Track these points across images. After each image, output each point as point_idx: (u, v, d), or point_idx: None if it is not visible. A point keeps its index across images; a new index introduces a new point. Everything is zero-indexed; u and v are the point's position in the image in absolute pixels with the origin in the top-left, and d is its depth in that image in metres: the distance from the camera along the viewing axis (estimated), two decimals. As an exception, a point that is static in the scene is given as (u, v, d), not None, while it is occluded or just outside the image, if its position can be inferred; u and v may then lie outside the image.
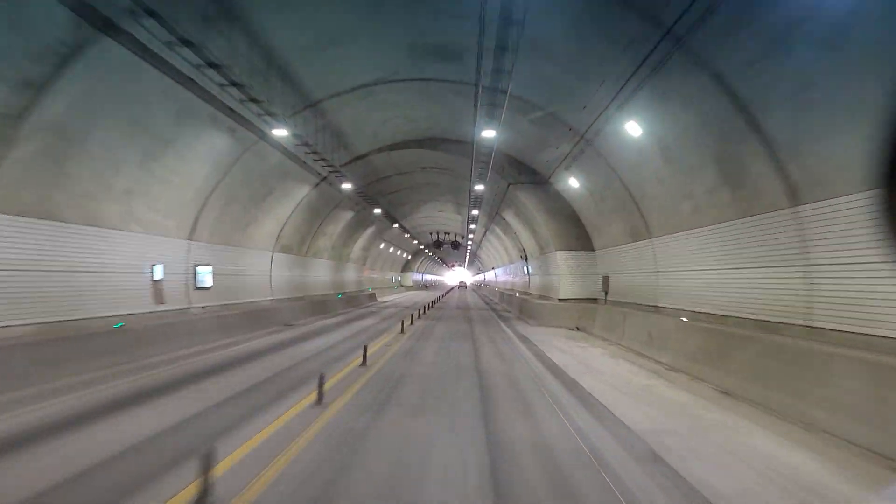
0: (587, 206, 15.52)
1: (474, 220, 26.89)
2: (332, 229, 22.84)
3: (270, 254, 17.06)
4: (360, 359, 8.89)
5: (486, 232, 33.98)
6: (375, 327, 15.53)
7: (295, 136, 11.76)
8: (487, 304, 31.63)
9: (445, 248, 55.28)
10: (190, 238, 12.05)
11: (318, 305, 20.24)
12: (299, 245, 19.70)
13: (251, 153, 12.43)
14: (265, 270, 16.71)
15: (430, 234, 48.76)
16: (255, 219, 15.00)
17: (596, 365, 8.93)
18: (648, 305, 12.40)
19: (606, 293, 15.92)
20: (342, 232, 24.49)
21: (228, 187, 12.66)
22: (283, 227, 17.27)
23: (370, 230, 29.44)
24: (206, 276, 12.67)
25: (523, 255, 24.61)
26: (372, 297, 31.68)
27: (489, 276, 58.70)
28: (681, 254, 10.48)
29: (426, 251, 59.69)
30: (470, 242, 45.22)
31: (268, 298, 16.91)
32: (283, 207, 16.51)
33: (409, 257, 61.35)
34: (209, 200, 12.20)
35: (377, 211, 23.50)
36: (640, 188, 11.48)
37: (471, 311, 24.65)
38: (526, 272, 24.85)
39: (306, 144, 12.82)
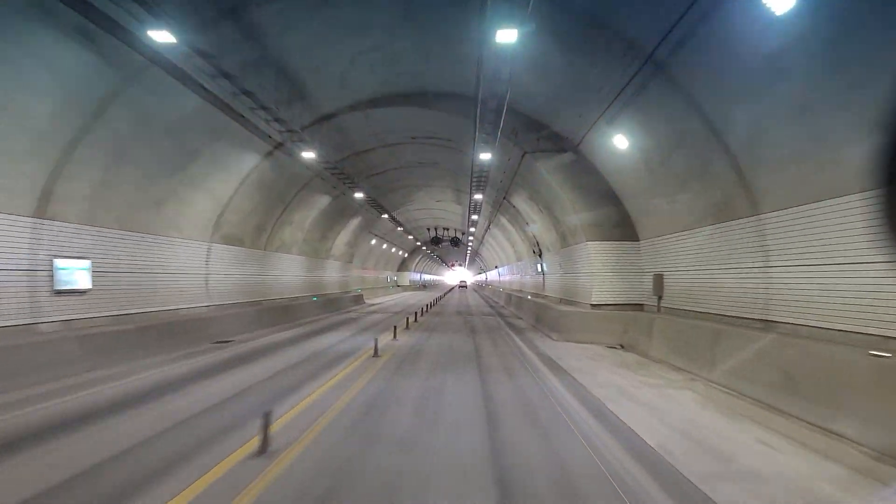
0: (635, 178, 11.24)
1: (477, 207, 22.65)
2: (303, 217, 18.59)
3: (206, 245, 12.80)
4: (279, 423, 4.66)
5: (489, 225, 29.77)
6: (343, 345, 11.28)
7: (196, 51, 7.54)
8: (492, 306, 27.41)
9: (445, 246, 51.18)
10: (39, 214, 7.78)
11: (280, 312, 15.99)
12: (254, 235, 15.45)
13: (141, 87, 8.16)
14: (197, 267, 12.45)
15: (428, 229, 44.76)
16: (173, 194, 10.74)
17: (719, 442, 4.66)
18: (746, 318, 8.14)
19: (660, 298, 11.66)
20: (317, 221, 20.25)
21: (110, 139, 8.40)
22: (223, 210, 13.01)
23: (355, 221, 25.21)
24: (75, 273, 8.42)
25: (536, 250, 20.36)
26: (358, 299, 27.47)
27: (492, 275, 54.58)
28: (834, 235, 6.22)
29: (424, 249, 55.66)
30: (471, 239, 41.06)
31: (202, 305, 12.65)
32: (220, 182, 12.25)
33: (406, 255, 57.32)
34: (74, 157, 7.94)
35: (359, 195, 19.26)
36: (746, 133, 7.21)
37: (473, 316, 20.42)
38: (539, 270, 20.61)
39: (226, 76, 8.59)
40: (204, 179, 11.50)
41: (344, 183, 18.07)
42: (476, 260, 66.95)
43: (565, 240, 15.48)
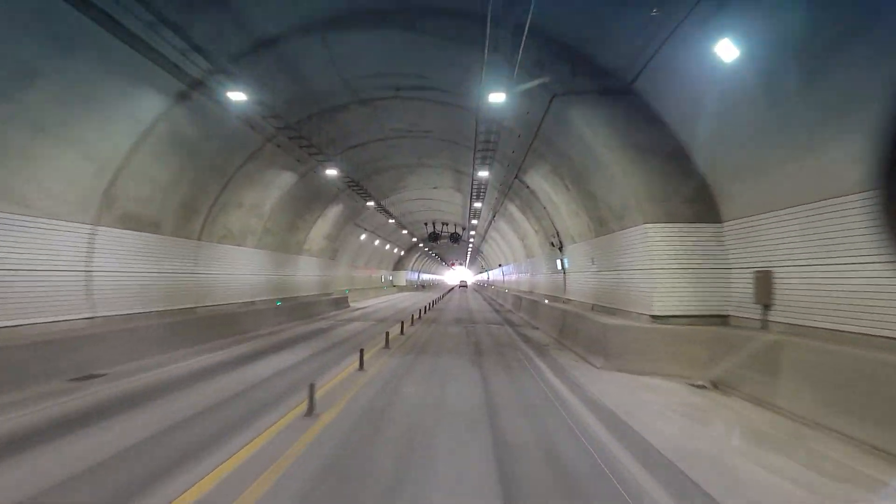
0: (737, 120, 7.11)
1: (481, 190, 18.57)
2: (258, 199, 14.51)
3: (88, 228, 8.71)
4: None
5: (494, 216, 25.74)
6: (275, 383, 7.15)
7: None
8: (497, 311, 23.33)
9: (444, 243, 47.24)
10: None
11: (221, 324, 11.92)
12: (181, 219, 11.34)
13: None
14: (67, 261, 8.35)
15: (425, 224, 40.89)
16: (-8, 141, 6.66)
17: None
18: None
19: (767, 307, 7.58)
20: (282, 206, 16.17)
21: None
22: (116, 177, 8.88)
23: (335, 210, 21.12)
24: None
25: (556, 242, 16.27)
26: (341, 302, 23.40)
27: (494, 275, 50.62)
28: None
29: (422, 246, 51.78)
30: (472, 234, 37.11)
31: (79, 317, 8.56)
32: (98, 131, 8.13)
33: (402, 253, 53.40)
34: None
35: (332, 173, 15.15)
36: None
37: (476, 325, 16.37)
38: (559, 268, 16.54)
39: None
40: (63, 122, 7.40)
41: (311, 155, 14.00)
42: (477, 258, 63.10)
43: (604, 224, 11.37)
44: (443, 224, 40.41)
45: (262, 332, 13.15)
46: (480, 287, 59.92)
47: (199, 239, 12.26)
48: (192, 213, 11.67)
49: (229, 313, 12.93)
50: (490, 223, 29.19)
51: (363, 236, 32.38)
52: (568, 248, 15.50)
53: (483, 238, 40.40)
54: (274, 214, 15.94)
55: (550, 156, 12.14)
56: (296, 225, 18.25)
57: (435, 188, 25.03)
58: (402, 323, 14.09)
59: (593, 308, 12.61)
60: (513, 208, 20.77)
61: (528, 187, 15.83)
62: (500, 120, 10.84)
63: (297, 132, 12.28)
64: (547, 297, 18.65)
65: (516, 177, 15.71)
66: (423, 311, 20.77)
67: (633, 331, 8.59)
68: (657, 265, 8.98)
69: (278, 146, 12.86)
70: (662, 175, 8.88)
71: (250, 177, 13.19)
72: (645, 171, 8.97)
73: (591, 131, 9.36)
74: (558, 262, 16.64)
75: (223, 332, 11.66)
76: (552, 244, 16.63)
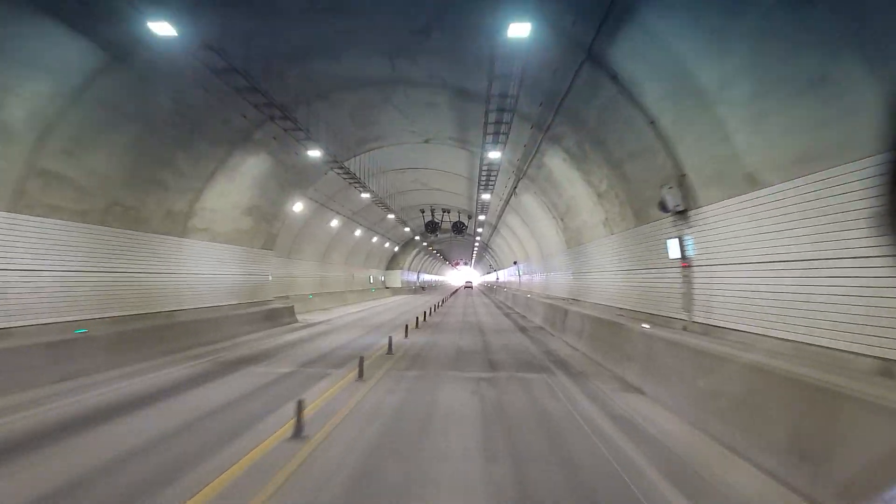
0: None
1: (503, 114, 9.81)
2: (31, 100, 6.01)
3: None
4: None
5: (515, 186, 17.16)
6: None
7: None
8: (522, 329, 14.42)
9: (445, 237, 38.73)
10: None
11: None
12: None
13: None
14: None
15: (422, 211, 32.58)
16: None
17: None
18: None
19: None
20: (97, 129, 7.63)
21: None
22: None
23: (256, 163, 12.60)
24: None
25: (671, 201, 7.59)
26: (279, 316, 14.79)
27: (506, 275, 42.05)
28: None
29: (419, 240, 43.31)
30: (482, 220, 28.55)
31: None
32: None
33: (397, 249, 45.03)
34: None
35: (171, 38, 6.62)
36: None
37: (500, 373, 7.54)
38: (678, 255, 7.86)
39: None
40: None
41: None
42: (485, 256, 54.78)
43: None
44: (443, 211, 32.08)
45: None
46: (489, 289, 51.41)
47: None
48: None
49: None
50: (506, 202, 20.63)
51: (335, 222, 24.00)
52: (710, 208, 6.85)
53: (494, 228, 31.89)
54: (70, 143, 7.42)
55: None
56: (155, 178, 9.70)
57: (427, 141, 16.46)
58: (301, 404, 5.29)
59: None
60: (554, 161, 12.17)
61: (613, 77, 7.17)
62: None
63: None
64: (623, 313, 9.93)
65: (588, 55, 7.06)
66: (405, 332, 12.23)
67: None
68: None
69: None
70: None
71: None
72: None
73: None
74: (670, 244, 7.96)
75: None
76: (661, 205, 7.87)
